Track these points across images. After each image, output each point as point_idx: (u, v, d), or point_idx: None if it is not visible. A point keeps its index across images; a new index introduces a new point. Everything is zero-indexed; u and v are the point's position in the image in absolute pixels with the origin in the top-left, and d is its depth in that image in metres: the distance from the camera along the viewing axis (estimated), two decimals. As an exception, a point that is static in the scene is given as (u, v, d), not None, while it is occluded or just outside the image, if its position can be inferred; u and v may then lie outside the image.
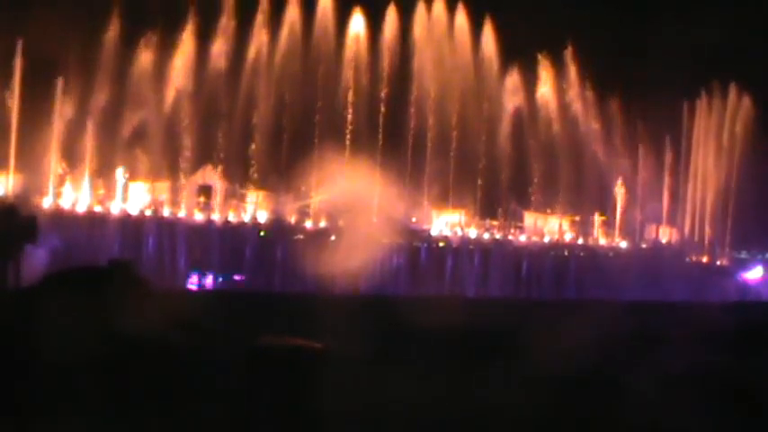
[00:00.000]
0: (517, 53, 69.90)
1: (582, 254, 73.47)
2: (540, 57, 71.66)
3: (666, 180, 78.12)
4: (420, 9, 68.88)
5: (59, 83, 59.90)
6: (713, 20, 64.70)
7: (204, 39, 63.11)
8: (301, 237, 65.10)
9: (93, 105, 60.46)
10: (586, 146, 73.31)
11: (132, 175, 63.06)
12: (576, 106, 73.07)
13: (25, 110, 59.04)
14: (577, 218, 74.92)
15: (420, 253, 67.82)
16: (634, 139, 75.82)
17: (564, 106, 72.65)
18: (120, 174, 62.57)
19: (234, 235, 63.24)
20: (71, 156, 61.28)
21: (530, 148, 70.85)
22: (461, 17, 69.48)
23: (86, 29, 59.21)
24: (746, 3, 71.01)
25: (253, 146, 64.33)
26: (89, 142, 60.92)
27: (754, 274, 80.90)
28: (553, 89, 72.40)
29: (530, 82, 71.43)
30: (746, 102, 79.01)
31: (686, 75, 70.22)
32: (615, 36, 70.26)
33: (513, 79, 70.63)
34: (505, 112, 70.37)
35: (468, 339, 28.56)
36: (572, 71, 72.55)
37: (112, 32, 60.89)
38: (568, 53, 72.10)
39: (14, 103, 59.38)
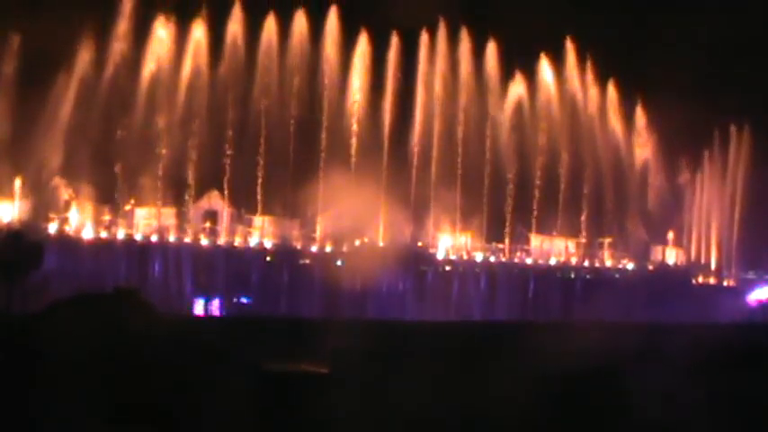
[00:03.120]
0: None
1: (588, 276, 73.29)
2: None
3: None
4: (423, 35, 69.32)
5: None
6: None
7: (210, 65, 63.37)
8: (307, 261, 65.06)
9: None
10: None
11: (138, 201, 63.06)
12: None
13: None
14: (583, 240, 74.73)
15: (426, 276, 67.67)
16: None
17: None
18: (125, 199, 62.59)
19: (240, 260, 63.18)
20: (77, 181, 61.20)
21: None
22: (465, 41, 69.78)
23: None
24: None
25: (258, 171, 64.36)
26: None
27: (761, 294, 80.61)
28: None
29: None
30: None
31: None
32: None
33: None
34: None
35: (474, 361, 28.49)
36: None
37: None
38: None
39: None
